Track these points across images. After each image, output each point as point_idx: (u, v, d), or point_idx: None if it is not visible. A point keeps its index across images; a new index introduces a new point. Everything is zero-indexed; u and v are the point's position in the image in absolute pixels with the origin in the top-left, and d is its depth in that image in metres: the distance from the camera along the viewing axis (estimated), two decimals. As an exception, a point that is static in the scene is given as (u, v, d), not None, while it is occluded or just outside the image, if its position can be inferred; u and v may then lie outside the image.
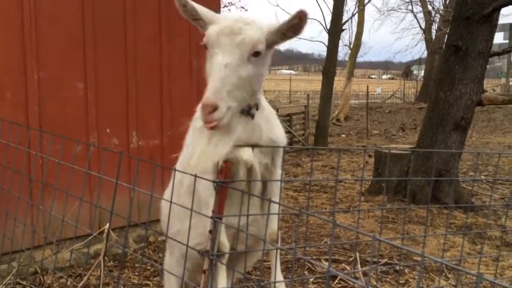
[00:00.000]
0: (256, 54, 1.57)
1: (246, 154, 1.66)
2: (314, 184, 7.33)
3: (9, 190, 2.55)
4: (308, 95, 13.50)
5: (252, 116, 1.67)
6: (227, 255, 1.67)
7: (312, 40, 14.39)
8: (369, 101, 16.49)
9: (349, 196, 6.74)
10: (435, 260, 0.90)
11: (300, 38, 17.55)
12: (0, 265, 3.12)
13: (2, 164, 2.76)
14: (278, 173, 1.88)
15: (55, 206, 2.64)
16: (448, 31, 14.05)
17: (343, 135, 13.97)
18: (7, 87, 3.22)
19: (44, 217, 3.35)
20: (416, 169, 6.16)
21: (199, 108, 1.50)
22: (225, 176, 1.55)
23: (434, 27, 21.87)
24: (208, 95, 1.46)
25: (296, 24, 1.62)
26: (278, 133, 1.82)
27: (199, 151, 1.57)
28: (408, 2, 21.95)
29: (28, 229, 3.18)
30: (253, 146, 1.62)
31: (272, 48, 1.68)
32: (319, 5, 31.79)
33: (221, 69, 1.50)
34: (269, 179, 1.84)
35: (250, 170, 1.73)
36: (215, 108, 1.44)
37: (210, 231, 1.51)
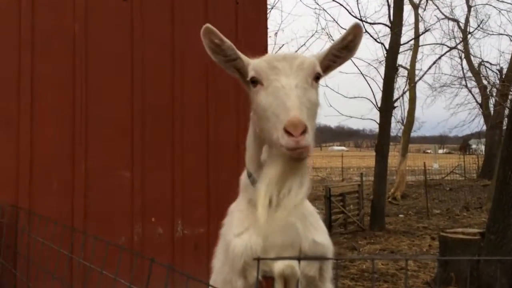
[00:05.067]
0: (317, 78, 1.41)
1: (284, 263, 1.37)
2: (373, 272, 6.76)
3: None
4: (362, 173, 13.07)
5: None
6: None
7: (363, 118, 14.27)
8: (427, 177, 15.72)
9: (413, 286, 6.11)
10: None
11: (351, 117, 17.52)
12: None
13: (44, 268, 2.61)
14: None
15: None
16: (507, 105, 13.42)
17: (401, 215, 13.18)
18: (54, 178, 3.25)
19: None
20: (489, 257, 5.52)
21: (279, 133, 1.21)
22: (266, 296, 1.30)
23: (492, 101, 21.15)
24: (294, 113, 1.21)
25: (350, 41, 1.46)
26: (323, 236, 1.51)
27: (264, 190, 1.26)
28: (461, 78, 21.57)
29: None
30: (300, 258, 1.34)
31: (324, 76, 1.50)
32: (368, 84, 31.78)
33: (292, 89, 1.29)
34: None
35: (288, 283, 1.41)
36: (305, 129, 1.19)
37: None
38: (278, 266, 1.38)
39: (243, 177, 1.61)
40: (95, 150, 3.43)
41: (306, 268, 1.45)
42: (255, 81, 1.41)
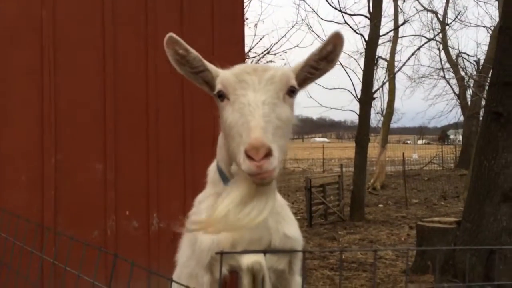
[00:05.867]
0: (291, 92, 1.28)
1: (251, 257, 1.31)
2: (351, 261, 6.81)
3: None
4: (342, 164, 13.15)
5: None
6: None
7: (343, 110, 14.30)
8: (406, 168, 15.92)
9: (391, 275, 6.17)
10: None
11: (331, 108, 17.57)
12: None
13: (14, 269, 2.48)
14: (296, 282, 1.49)
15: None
16: (484, 96, 13.67)
17: (380, 205, 13.34)
18: (23, 170, 3.14)
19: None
20: (464, 245, 5.60)
21: (241, 155, 1.11)
22: (232, 291, 1.26)
23: (469, 92, 21.51)
24: (256, 134, 1.10)
25: (330, 51, 1.34)
26: (293, 230, 1.46)
27: (224, 208, 1.15)
28: (439, 69, 21.84)
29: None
30: (265, 251, 1.30)
31: (301, 89, 1.37)
32: (348, 75, 31.93)
33: (258, 106, 1.18)
34: None
35: (256, 277, 1.35)
36: (269, 152, 1.08)
37: None
38: (246, 261, 1.32)
39: (212, 169, 1.54)
40: (65, 141, 3.32)
41: (275, 262, 1.41)
42: (222, 95, 1.31)
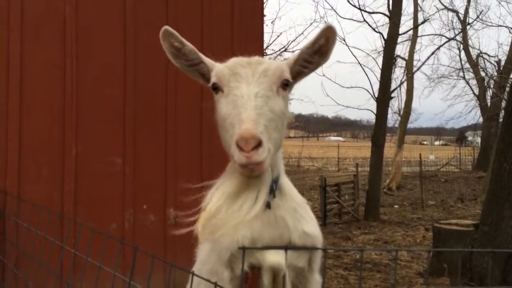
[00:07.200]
0: (285, 85, 1.30)
1: (273, 257, 1.31)
2: (366, 262, 6.76)
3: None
4: (357, 164, 13.06)
5: (268, 206, 1.32)
6: None
7: (360, 109, 14.18)
8: (423, 169, 15.72)
9: (406, 277, 6.11)
10: None
11: (347, 107, 17.43)
12: None
13: (36, 259, 2.54)
14: (316, 280, 1.47)
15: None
16: (504, 97, 13.41)
17: (396, 206, 13.21)
18: (44, 164, 3.20)
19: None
20: (482, 249, 5.52)
21: (232, 147, 1.15)
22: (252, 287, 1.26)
23: (489, 93, 21.12)
24: (247, 126, 1.12)
25: (323, 45, 1.33)
26: (312, 227, 1.45)
27: (213, 205, 1.21)
28: (459, 69, 21.49)
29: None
30: (287, 248, 1.30)
31: (295, 83, 1.39)
32: (366, 74, 31.60)
33: (251, 98, 1.21)
34: None
35: (277, 276, 1.35)
36: (258, 143, 1.11)
37: None
38: (268, 260, 1.33)
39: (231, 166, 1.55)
40: (86, 136, 3.37)
41: (295, 260, 1.40)
42: (216, 88, 1.35)
